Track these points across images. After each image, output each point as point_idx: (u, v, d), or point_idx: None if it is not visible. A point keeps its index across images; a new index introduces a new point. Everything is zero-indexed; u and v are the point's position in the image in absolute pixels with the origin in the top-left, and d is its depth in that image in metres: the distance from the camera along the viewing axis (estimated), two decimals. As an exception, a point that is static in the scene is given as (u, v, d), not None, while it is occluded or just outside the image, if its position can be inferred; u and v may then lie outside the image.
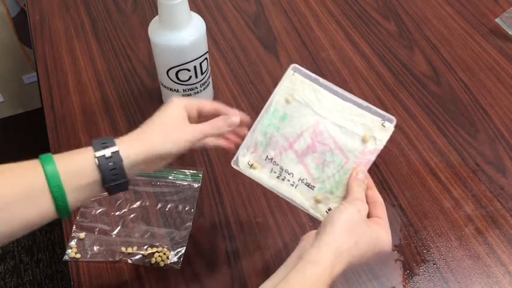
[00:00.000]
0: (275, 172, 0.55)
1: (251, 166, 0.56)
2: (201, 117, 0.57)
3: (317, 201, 0.54)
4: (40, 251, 1.55)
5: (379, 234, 0.51)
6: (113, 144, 0.50)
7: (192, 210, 0.70)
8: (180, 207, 0.71)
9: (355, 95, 0.54)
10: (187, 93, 0.78)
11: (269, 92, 0.85)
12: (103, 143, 0.50)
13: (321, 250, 0.47)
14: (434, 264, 0.65)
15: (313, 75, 0.56)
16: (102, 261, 0.66)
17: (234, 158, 0.56)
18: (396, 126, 0.80)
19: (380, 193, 0.71)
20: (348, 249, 0.48)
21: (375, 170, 0.74)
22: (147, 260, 0.66)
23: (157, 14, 0.72)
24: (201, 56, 0.75)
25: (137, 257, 0.66)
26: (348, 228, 0.49)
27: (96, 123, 0.82)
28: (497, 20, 0.94)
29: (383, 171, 0.74)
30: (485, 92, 0.84)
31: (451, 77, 0.87)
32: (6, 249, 1.55)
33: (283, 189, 0.55)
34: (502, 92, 0.84)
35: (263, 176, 0.56)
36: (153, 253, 0.66)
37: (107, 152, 0.49)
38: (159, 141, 0.52)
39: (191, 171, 0.74)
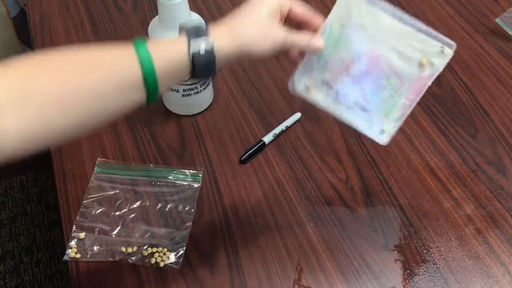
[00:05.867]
0: (330, 95, 0.54)
1: (307, 89, 0.54)
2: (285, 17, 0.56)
3: (371, 123, 0.53)
4: (40, 251, 1.55)
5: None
6: (207, 35, 0.49)
7: (192, 210, 0.70)
8: (180, 207, 0.71)
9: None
10: (187, 93, 0.78)
11: (269, 92, 0.86)
12: (196, 32, 0.49)
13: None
14: (434, 264, 0.65)
15: None
16: (102, 261, 0.66)
17: (290, 82, 0.55)
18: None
19: (380, 193, 0.72)
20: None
21: (375, 170, 0.74)
22: (147, 260, 0.66)
23: (157, 14, 0.72)
24: (201, 56, 0.74)
25: (137, 257, 0.66)
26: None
27: (96, 123, 0.82)
28: (497, 20, 0.94)
29: (383, 171, 0.74)
30: (485, 92, 0.84)
31: (451, 77, 0.87)
32: (6, 249, 1.55)
33: (339, 110, 0.54)
34: (502, 92, 0.84)
35: (319, 98, 0.54)
36: (153, 253, 0.66)
37: (202, 48, 0.48)
38: (255, 39, 0.50)
39: (191, 171, 0.74)
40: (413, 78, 0.53)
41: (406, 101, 0.54)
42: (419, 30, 0.53)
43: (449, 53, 0.54)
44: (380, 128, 0.53)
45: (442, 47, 0.53)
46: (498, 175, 0.74)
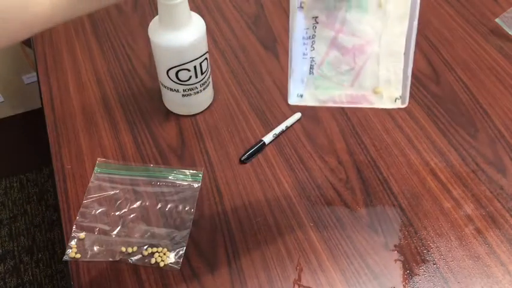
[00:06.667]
0: (307, 32, 0.50)
1: (301, 4, 0.50)
2: None
3: (302, 82, 0.51)
4: (40, 251, 1.55)
5: None
6: None
7: (192, 210, 0.70)
8: (180, 207, 0.71)
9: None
10: (187, 93, 0.78)
11: (269, 92, 0.86)
12: None
13: None
14: (434, 264, 0.65)
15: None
16: (102, 261, 0.66)
17: None
18: (396, 126, 0.80)
19: (380, 193, 0.72)
20: None
21: (375, 170, 0.74)
22: (147, 260, 0.66)
23: (157, 14, 0.72)
24: (201, 56, 0.75)
25: (137, 257, 0.66)
26: None
27: (96, 123, 0.82)
28: (497, 20, 0.94)
29: (383, 171, 0.74)
30: (485, 92, 0.84)
31: (451, 77, 0.87)
32: (6, 249, 1.55)
33: (296, 48, 0.50)
34: (502, 92, 0.84)
35: (299, 23, 0.50)
36: (153, 253, 0.66)
37: None
38: None
39: (191, 171, 0.75)
40: (360, 91, 0.52)
41: (337, 97, 0.52)
42: (405, 72, 0.51)
43: (398, 105, 0.52)
44: (302, 93, 0.51)
45: (400, 97, 0.52)
46: (498, 175, 0.74)
